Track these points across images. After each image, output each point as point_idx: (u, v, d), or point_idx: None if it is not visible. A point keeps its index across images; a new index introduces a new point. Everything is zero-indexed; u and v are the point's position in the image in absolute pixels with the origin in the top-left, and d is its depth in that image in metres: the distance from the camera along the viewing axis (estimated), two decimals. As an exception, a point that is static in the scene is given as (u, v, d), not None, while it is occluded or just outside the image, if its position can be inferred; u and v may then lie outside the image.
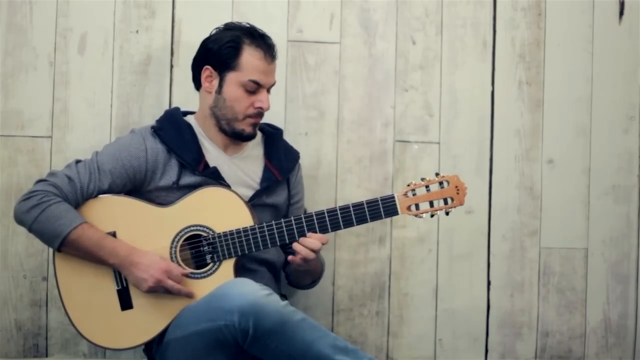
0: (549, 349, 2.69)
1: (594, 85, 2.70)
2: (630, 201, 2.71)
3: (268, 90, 2.27)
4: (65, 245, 2.13)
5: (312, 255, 2.15)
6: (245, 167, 2.32)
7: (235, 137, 2.28)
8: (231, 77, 2.23)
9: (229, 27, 2.28)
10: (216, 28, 2.30)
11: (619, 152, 2.71)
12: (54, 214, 2.11)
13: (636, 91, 2.71)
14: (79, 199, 2.17)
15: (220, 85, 2.24)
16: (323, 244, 2.17)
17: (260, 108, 2.24)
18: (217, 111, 2.26)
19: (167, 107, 2.52)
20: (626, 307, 2.71)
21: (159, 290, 2.13)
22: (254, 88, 2.23)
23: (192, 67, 2.32)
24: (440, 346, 2.66)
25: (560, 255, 2.69)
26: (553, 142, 2.69)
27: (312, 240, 2.15)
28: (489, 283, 2.68)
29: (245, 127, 2.26)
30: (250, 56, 2.22)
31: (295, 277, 2.39)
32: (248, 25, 2.28)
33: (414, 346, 2.65)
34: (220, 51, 2.23)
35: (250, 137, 2.29)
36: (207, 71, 2.27)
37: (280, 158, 2.36)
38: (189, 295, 2.14)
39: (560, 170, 2.69)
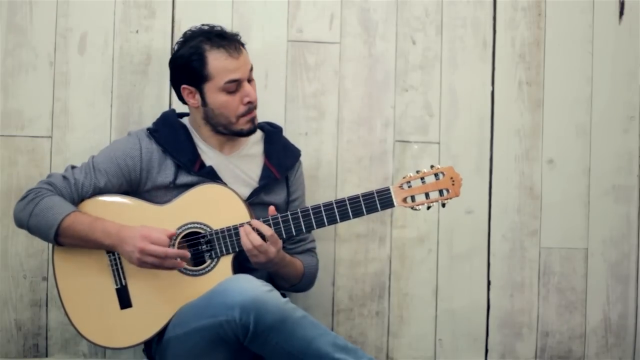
0: (549, 349, 2.68)
1: (594, 85, 2.70)
2: (630, 201, 2.71)
3: (249, 81, 2.25)
4: (60, 235, 2.13)
5: (247, 244, 2.10)
6: (243, 165, 2.32)
7: (238, 136, 2.29)
8: (209, 87, 2.22)
9: (187, 38, 2.25)
10: (177, 42, 2.28)
11: (619, 152, 2.71)
12: (47, 205, 2.12)
13: (636, 91, 2.71)
14: (74, 195, 2.18)
15: (203, 98, 2.24)
16: (265, 239, 2.11)
17: (249, 102, 2.23)
18: (210, 121, 2.27)
19: (167, 107, 2.53)
20: (626, 307, 2.71)
21: (148, 261, 2.07)
22: (235, 87, 2.22)
23: (172, 86, 2.32)
24: (440, 346, 2.65)
25: (560, 255, 2.69)
26: (553, 142, 2.68)
27: (255, 236, 2.10)
28: (489, 283, 2.67)
29: (242, 126, 2.26)
30: (216, 60, 2.20)
31: (273, 276, 2.32)
32: (205, 28, 2.25)
33: (414, 346, 2.65)
34: (188, 67, 2.21)
35: (251, 132, 2.29)
36: (185, 90, 2.26)
37: (280, 156, 2.35)
38: (182, 255, 2.09)
39: (560, 170, 2.69)
